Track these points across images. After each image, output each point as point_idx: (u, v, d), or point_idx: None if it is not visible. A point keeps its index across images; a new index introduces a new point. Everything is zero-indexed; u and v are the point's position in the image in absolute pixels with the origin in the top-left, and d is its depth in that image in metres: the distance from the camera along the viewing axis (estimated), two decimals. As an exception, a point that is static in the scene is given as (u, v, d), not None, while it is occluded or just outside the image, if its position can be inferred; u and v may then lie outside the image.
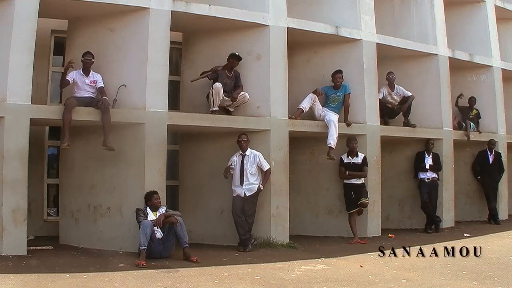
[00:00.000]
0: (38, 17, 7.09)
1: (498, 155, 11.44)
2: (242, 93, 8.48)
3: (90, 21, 8.02)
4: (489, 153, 11.35)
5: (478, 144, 11.39)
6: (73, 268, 6.40)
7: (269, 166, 8.18)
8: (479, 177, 11.43)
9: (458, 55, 11.18)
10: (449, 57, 10.85)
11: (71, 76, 7.53)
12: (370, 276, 6.25)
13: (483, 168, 11.35)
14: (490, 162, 11.34)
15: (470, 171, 11.56)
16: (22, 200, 6.95)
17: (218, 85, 8.25)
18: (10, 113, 6.89)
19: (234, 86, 8.51)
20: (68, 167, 8.26)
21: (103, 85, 7.59)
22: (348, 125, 9.23)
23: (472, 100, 11.58)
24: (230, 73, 8.47)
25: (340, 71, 9.23)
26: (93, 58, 7.58)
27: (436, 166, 10.25)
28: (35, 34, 7.02)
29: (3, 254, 6.71)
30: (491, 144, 11.33)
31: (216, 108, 8.35)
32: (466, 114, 11.54)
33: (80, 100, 7.40)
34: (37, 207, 8.81)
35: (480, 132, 11.49)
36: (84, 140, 7.87)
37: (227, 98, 8.42)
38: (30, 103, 7.01)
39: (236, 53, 8.40)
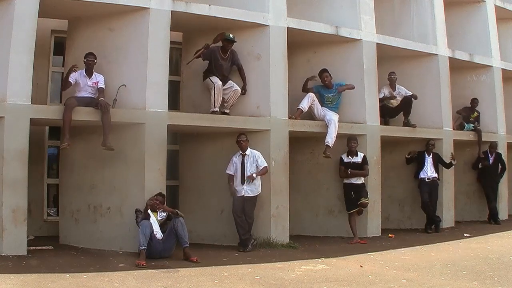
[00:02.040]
0: (38, 17, 7.08)
1: (498, 156, 11.45)
2: (233, 86, 8.43)
3: (90, 21, 8.01)
4: (489, 155, 11.37)
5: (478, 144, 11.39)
6: (73, 268, 6.39)
7: (266, 165, 8.14)
8: (478, 178, 11.42)
9: (458, 55, 11.17)
10: (449, 57, 10.85)
11: (73, 76, 7.50)
12: (370, 276, 6.25)
13: (483, 169, 11.34)
14: (490, 163, 11.36)
15: (470, 171, 11.55)
16: (22, 200, 6.94)
17: (219, 84, 8.24)
18: (10, 113, 6.88)
19: (230, 66, 8.46)
20: (68, 167, 8.26)
21: (103, 87, 7.57)
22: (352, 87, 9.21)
23: (474, 102, 11.56)
24: (225, 55, 8.39)
25: (326, 70, 9.22)
26: (96, 59, 7.57)
27: (445, 165, 10.32)
28: (35, 34, 7.02)
29: (3, 254, 6.70)
30: (492, 147, 11.37)
31: (217, 109, 8.34)
32: (468, 115, 11.52)
33: (80, 100, 7.38)
34: (37, 207, 8.81)
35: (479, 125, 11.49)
36: (84, 140, 7.86)
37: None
38: (30, 103, 7.00)
39: (230, 37, 8.27)
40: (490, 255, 7.44)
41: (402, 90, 10.27)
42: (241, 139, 8.12)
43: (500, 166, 11.51)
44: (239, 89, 8.50)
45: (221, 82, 8.27)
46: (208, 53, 8.28)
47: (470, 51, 11.51)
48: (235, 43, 8.38)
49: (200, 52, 8.28)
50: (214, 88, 8.26)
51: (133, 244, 7.15)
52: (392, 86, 10.27)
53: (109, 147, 7.27)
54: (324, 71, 9.22)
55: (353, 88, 9.25)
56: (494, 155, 11.38)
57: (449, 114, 10.85)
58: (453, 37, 11.23)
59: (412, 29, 10.77)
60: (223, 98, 8.42)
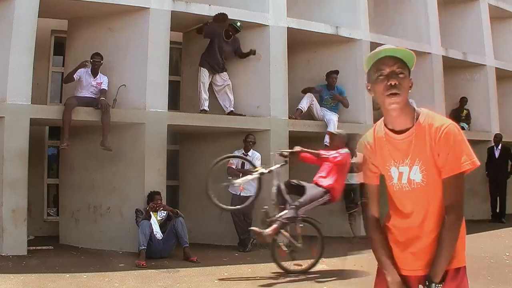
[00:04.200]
0: (38, 17, 7.07)
1: (505, 150, 11.21)
2: (228, 88, 8.49)
3: (90, 21, 8.00)
4: (495, 147, 11.18)
5: (471, 143, 11.37)
6: (73, 268, 6.39)
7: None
8: (487, 172, 11.14)
9: (452, 54, 11.17)
10: (442, 56, 10.84)
11: (79, 73, 7.48)
12: (370, 276, 6.29)
13: (490, 164, 11.08)
14: (496, 157, 11.12)
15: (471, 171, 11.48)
16: (22, 200, 6.94)
17: (205, 83, 8.25)
18: (10, 113, 6.87)
19: (232, 52, 8.45)
20: (68, 167, 8.25)
21: (106, 88, 7.56)
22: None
23: (463, 100, 11.58)
24: (228, 39, 8.35)
25: (337, 72, 9.19)
26: (102, 60, 7.55)
27: None
28: (35, 34, 7.00)
29: (3, 254, 6.70)
30: (496, 137, 11.18)
31: (207, 108, 8.28)
32: (457, 114, 11.56)
33: (81, 100, 7.37)
34: (37, 207, 8.78)
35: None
36: (84, 140, 7.85)
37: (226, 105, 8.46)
38: (30, 103, 7.00)
39: (237, 25, 8.21)
40: (483, 254, 7.45)
41: None
42: (250, 140, 8.11)
43: (510, 162, 11.26)
44: (230, 84, 8.50)
45: (209, 80, 8.26)
46: (210, 31, 8.19)
47: (463, 50, 11.52)
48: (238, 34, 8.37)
49: (200, 26, 8.16)
50: (201, 87, 8.24)
51: (133, 244, 7.15)
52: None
53: (107, 147, 7.26)
54: (335, 72, 9.15)
55: (347, 106, 9.22)
56: (500, 149, 11.16)
57: (442, 113, 10.86)
58: (446, 36, 11.23)
59: (406, 28, 10.76)
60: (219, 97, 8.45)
